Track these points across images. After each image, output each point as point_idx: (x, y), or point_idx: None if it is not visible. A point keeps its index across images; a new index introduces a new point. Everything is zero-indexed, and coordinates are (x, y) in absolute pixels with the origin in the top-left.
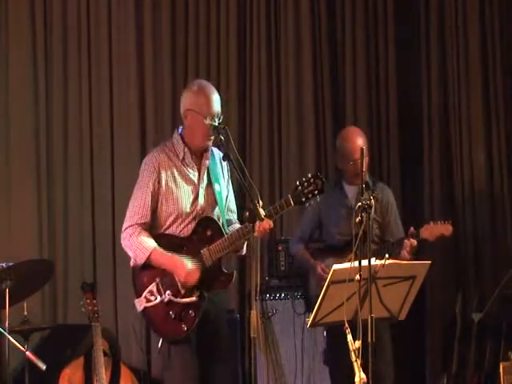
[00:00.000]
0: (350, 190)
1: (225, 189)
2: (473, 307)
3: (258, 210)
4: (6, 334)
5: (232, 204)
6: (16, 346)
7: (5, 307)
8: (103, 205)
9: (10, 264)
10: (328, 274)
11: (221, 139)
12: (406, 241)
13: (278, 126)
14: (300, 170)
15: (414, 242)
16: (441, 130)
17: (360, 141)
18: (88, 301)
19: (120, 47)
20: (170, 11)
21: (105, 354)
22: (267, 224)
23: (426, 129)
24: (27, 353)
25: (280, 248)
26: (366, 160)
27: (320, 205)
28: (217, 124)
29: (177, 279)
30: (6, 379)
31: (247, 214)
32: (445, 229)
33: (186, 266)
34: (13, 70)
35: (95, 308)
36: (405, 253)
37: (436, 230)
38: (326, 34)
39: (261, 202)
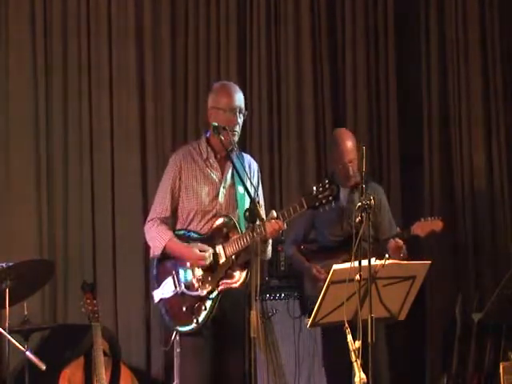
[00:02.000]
0: (341, 192)
1: (250, 191)
2: (473, 307)
3: (257, 209)
4: (6, 334)
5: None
6: (16, 346)
7: (5, 307)
8: (103, 205)
9: (10, 264)
10: (323, 275)
11: (221, 139)
12: (391, 241)
13: (278, 125)
14: (300, 171)
15: (400, 242)
16: (441, 130)
17: (349, 144)
18: (88, 301)
19: (120, 48)
20: (169, 11)
21: (105, 354)
22: (276, 224)
23: (426, 129)
24: (27, 353)
25: (280, 248)
26: (356, 161)
27: None
28: (243, 116)
29: (192, 271)
30: (5, 379)
31: (247, 214)
32: (435, 225)
33: (195, 253)
34: (13, 71)
35: (95, 308)
36: (389, 254)
37: (427, 226)
38: (325, 34)
39: (261, 202)
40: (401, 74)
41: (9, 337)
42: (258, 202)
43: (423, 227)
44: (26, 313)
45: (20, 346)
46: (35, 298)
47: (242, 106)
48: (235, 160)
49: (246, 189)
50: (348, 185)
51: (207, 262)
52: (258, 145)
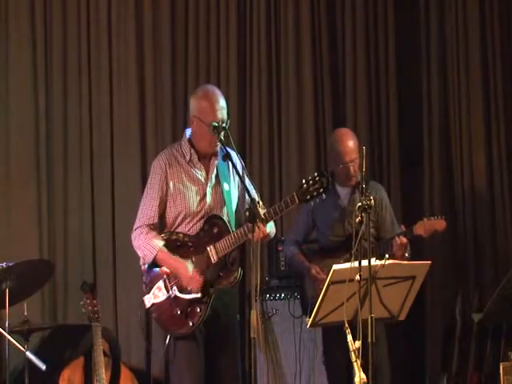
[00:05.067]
0: (342, 191)
1: (235, 188)
2: (473, 307)
3: (258, 209)
4: (6, 334)
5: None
6: (16, 346)
7: (5, 307)
8: (103, 205)
9: (10, 264)
10: (322, 275)
11: (221, 139)
12: (396, 239)
13: (278, 125)
14: (300, 170)
15: (404, 240)
16: (441, 130)
17: (351, 143)
18: (88, 301)
19: (120, 47)
20: (169, 11)
21: (105, 354)
22: (261, 233)
23: (426, 129)
24: (27, 353)
25: (280, 248)
26: (358, 161)
27: (314, 206)
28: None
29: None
30: (5, 379)
31: (247, 213)
32: (438, 224)
33: (187, 272)
34: (13, 72)
35: (95, 308)
36: (394, 251)
37: (429, 225)
38: (326, 34)
39: (261, 202)
40: (401, 73)
41: (9, 337)
42: (258, 203)
43: (426, 227)
44: (25, 313)
45: (20, 346)
46: (35, 298)
47: (225, 116)
48: (233, 160)
49: (245, 188)
50: (349, 184)
51: (200, 280)
52: (258, 145)
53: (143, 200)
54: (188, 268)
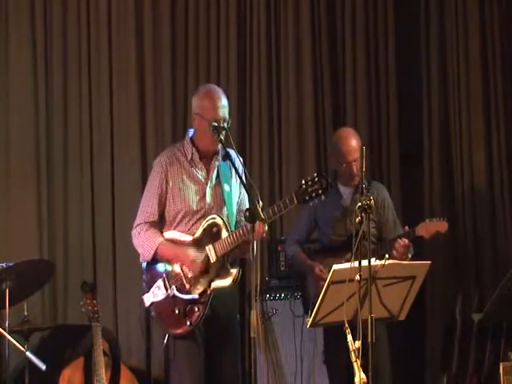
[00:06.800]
0: (345, 191)
1: (236, 190)
2: (473, 307)
3: (257, 209)
4: (6, 334)
5: (244, 206)
6: (16, 346)
7: (5, 307)
8: (103, 205)
9: (10, 264)
10: (326, 274)
11: (221, 139)
12: (398, 240)
13: (278, 125)
14: (300, 170)
15: (406, 241)
16: (441, 130)
17: (354, 143)
18: (88, 301)
19: (120, 48)
20: (169, 11)
21: (105, 354)
22: (262, 229)
23: (426, 129)
24: (27, 353)
25: (280, 248)
26: (359, 161)
27: (315, 206)
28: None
29: (182, 272)
30: (5, 379)
31: (247, 213)
32: (440, 226)
33: (189, 255)
34: (13, 72)
35: (95, 308)
36: (395, 253)
37: (431, 227)
38: (326, 34)
39: (261, 202)
40: (401, 73)
41: (9, 337)
42: (258, 202)
43: (428, 228)
44: (26, 313)
45: (20, 346)
46: (35, 298)
47: (227, 115)
48: (233, 159)
49: (245, 189)
50: (352, 184)
51: (201, 263)
52: (258, 145)
53: (143, 198)
54: (188, 252)
